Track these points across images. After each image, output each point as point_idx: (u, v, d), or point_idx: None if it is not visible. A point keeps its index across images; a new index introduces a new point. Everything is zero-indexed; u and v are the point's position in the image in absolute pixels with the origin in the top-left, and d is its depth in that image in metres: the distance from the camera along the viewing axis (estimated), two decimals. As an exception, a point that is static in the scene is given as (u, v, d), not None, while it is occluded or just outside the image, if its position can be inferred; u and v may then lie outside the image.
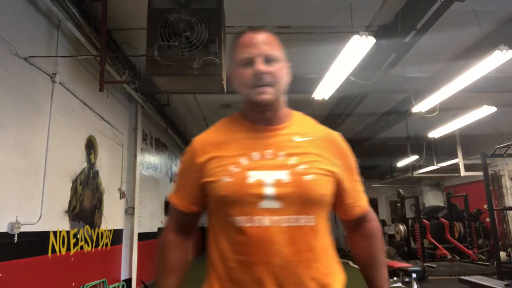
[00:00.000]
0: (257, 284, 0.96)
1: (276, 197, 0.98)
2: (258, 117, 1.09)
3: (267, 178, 0.99)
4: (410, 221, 10.04)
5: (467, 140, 8.77)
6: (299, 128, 1.10)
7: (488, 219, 7.53)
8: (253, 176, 1.00)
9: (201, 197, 1.08)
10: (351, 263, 10.27)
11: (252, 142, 1.05)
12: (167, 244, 1.13)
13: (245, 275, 0.97)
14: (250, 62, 1.04)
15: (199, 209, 1.12)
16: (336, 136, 1.14)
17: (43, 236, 3.36)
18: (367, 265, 1.16)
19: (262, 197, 0.98)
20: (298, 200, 0.99)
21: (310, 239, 0.99)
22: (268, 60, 1.04)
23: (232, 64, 1.10)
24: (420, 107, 5.71)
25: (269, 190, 0.98)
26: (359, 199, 1.15)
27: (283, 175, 1.00)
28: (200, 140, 1.12)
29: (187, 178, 1.10)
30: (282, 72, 1.07)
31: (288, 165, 1.01)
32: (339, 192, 1.09)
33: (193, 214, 1.13)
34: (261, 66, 1.03)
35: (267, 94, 1.03)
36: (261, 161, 1.02)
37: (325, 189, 1.03)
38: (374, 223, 1.18)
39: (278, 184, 0.99)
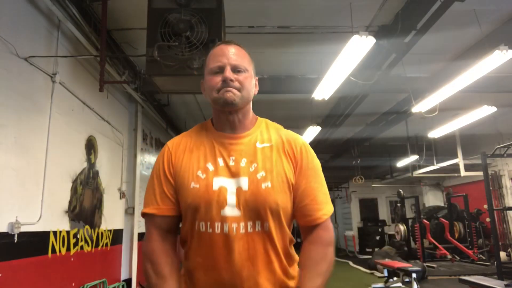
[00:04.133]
0: (216, 286, 1.05)
1: (237, 205, 1.06)
2: (225, 122, 1.16)
3: (230, 186, 1.08)
4: (410, 221, 10.05)
5: (467, 140, 8.77)
6: (261, 135, 1.17)
7: (488, 219, 7.53)
8: (217, 183, 1.08)
9: (177, 199, 1.14)
10: (351, 263, 10.28)
11: (218, 148, 1.13)
12: (154, 253, 1.12)
13: (205, 276, 1.06)
14: (219, 70, 1.12)
15: (178, 212, 1.15)
16: (297, 140, 1.18)
17: (43, 236, 3.35)
18: (302, 266, 1.12)
19: (224, 204, 1.06)
20: (254, 207, 1.06)
21: (265, 244, 1.06)
22: (236, 69, 1.12)
23: (204, 73, 1.18)
24: (420, 107, 5.70)
25: (231, 198, 1.06)
26: (315, 207, 1.13)
27: (243, 183, 1.08)
28: (171, 145, 1.19)
29: (161, 184, 1.14)
30: (248, 81, 1.14)
31: (248, 172, 1.09)
32: (295, 196, 1.13)
33: (175, 217, 1.15)
34: (229, 73, 1.11)
35: (232, 93, 1.10)
36: (224, 168, 1.10)
37: (280, 197, 1.09)
38: (326, 233, 1.15)
39: (238, 192, 1.07)
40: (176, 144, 1.19)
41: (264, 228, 1.07)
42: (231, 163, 1.11)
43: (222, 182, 1.08)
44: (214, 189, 1.07)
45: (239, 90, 1.12)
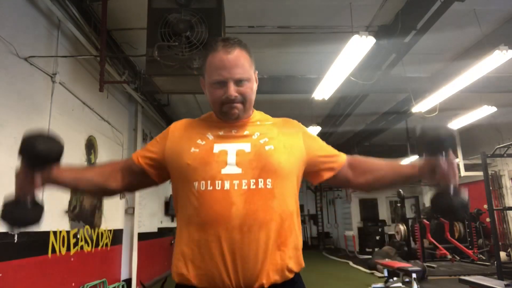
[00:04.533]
0: (217, 243, 1.02)
1: (237, 163, 1.07)
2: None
3: (231, 149, 1.10)
4: (410, 221, 10.04)
5: (467, 140, 8.77)
6: (259, 117, 1.23)
7: (488, 219, 7.53)
8: (218, 147, 1.10)
9: (157, 165, 1.19)
10: (351, 263, 10.28)
11: (220, 126, 1.17)
12: (106, 165, 1.25)
13: (205, 234, 1.04)
14: (221, 84, 1.13)
15: (148, 170, 1.20)
16: (292, 121, 1.26)
17: (43, 236, 3.36)
18: (387, 170, 1.22)
19: (225, 163, 1.07)
20: (257, 166, 1.07)
21: (267, 201, 1.06)
22: (239, 81, 1.13)
23: (204, 75, 1.19)
24: (420, 107, 5.71)
25: (231, 158, 1.08)
26: (333, 152, 1.24)
27: (246, 146, 1.11)
28: (175, 123, 1.25)
29: (154, 145, 1.21)
30: (250, 88, 1.17)
31: (251, 138, 1.13)
32: (311, 157, 1.19)
33: (139, 170, 1.21)
34: (232, 90, 1.12)
35: (236, 109, 1.14)
36: (226, 135, 1.15)
37: (284, 158, 1.11)
38: (360, 157, 1.26)
39: (240, 153, 1.09)
40: (180, 122, 1.25)
41: (267, 185, 1.06)
42: (233, 132, 1.15)
43: (222, 147, 1.11)
44: (215, 152, 1.10)
45: (242, 102, 1.14)
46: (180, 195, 1.12)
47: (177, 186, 1.15)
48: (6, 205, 1.07)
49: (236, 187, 1.04)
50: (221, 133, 1.15)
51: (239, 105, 1.14)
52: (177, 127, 1.22)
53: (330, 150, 1.25)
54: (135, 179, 1.23)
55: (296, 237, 1.11)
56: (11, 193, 1.07)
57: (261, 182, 1.06)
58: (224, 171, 1.06)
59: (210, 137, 1.14)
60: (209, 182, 1.05)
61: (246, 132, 1.16)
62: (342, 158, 1.24)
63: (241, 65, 1.13)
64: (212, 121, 1.21)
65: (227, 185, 1.04)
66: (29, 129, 1.09)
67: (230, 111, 1.14)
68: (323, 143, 1.26)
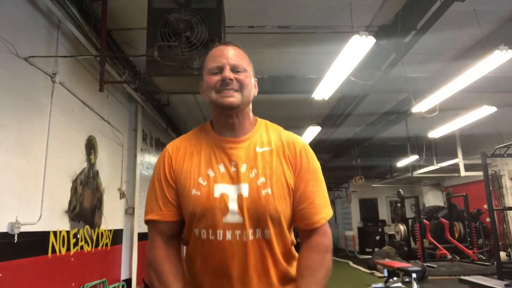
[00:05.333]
0: None
1: (238, 212, 1.06)
2: (225, 125, 1.15)
3: (231, 193, 1.08)
4: (410, 221, 10.04)
5: (467, 140, 8.77)
6: (261, 138, 1.16)
7: (488, 219, 7.52)
8: (218, 190, 1.08)
9: (179, 203, 1.13)
10: (351, 263, 10.28)
11: (219, 153, 1.13)
12: (158, 260, 1.11)
13: (208, 281, 1.08)
14: (218, 70, 1.11)
15: (181, 216, 1.14)
16: (297, 142, 1.17)
17: (43, 236, 3.35)
18: (299, 274, 1.11)
19: (226, 212, 1.06)
20: (254, 214, 1.06)
21: (267, 250, 1.07)
22: (236, 69, 1.11)
23: (202, 74, 1.17)
24: (420, 107, 5.70)
25: (232, 205, 1.07)
26: (313, 211, 1.12)
27: (244, 190, 1.07)
28: (171, 149, 1.18)
29: (163, 189, 1.13)
30: (248, 80, 1.13)
31: (248, 178, 1.09)
32: (293, 198, 1.13)
33: (178, 222, 1.15)
34: (228, 73, 1.10)
35: (233, 97, 1.10)
36: (225, 174, 1.10)
37: (281, 203, 1.09)
38: (324, 238, 1.13)
39: (239, 199, 1.07)
40: (176, 148, 1.17)
41: (265, 235, 1.07)
42: (232, 169, 1.10)
43: (223, 189, 1.08)
44: (216, 196, 1.07)
45: (239, 90, 1.11)
46: (186, 235, 1.15)
47: (184, 218, 1.15)
48: None
49: (237, 238, 1.05)
50: (221, 166, 1.11)
51: (235, 93, 1.10)
52: (174, 155, 1.16)
53: (314, 199, 1.13)
54: (180, 233, 1.17)
55: (294, 264, 1.16)
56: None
57: (258, 232, 1.07)
58: (225, 220, 1.06)
59: (211, 174, 1.10)
60: (210, 231, 1.07)
61: (243, 166, 1.10)
62: (317, 221, 1.12)
63: (239, 56, 1.14)
64: (209, 136, 1.16)
65: (228, 236, 1.05)
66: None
67: (225, 98, 1.09)
68: (317, 188, 1.15)
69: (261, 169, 1.10)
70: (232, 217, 1.06)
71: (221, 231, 1.05)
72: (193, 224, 1.09)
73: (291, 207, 1.12)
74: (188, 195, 1.09)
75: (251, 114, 1.20)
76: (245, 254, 1.05)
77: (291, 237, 1.15)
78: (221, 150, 1.13)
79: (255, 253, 1.06)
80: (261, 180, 1.08)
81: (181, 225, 1.16)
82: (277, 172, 1.10)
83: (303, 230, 1.15)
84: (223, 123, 1.15)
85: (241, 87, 1.11)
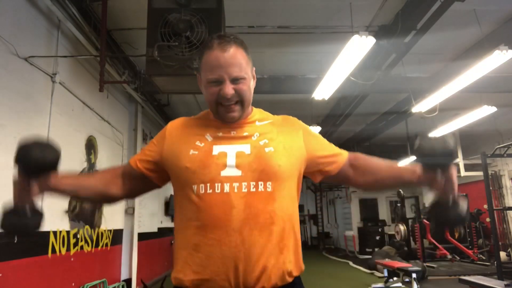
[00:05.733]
0: (217, 247, 1.00)
1: (237, 166, 1.05)
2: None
3: (230, 150, 1.08)
4: (410, 221, 10.04)
5: (467, 140, 8.77)
6: (260, 115, 1.21)
7: (488, 219, 7.53)
8: (217, 149, 1.08)
9: (156, 168, 1.17)
10: (351, 263, 10.28)
11: (219, 126, 1.15)
12: (102, 171, 1.24)
13: (205, 238, 1.02)
14: (217, 82, 1.10)
15: (147, 174, 1.18)
16: (291, 119, 1.24)
17: (43, 236, 3.35)
18: (376, 170, 1.21)
19: (224, 165, 1.05)
20: (257, 168, 1.05)
21: (267, 204, 1.04)
22: (235, 79, 1.10)
23: (200, 72, 1.16)
24: (420, 107, 5.71)
25: (231, 160, 1.06)
26: (334, 151, 1.22)
27: (245, 148, 1.08)
28: (172, 123, 1.23)
29: (152, 147, 1.20)
30: (247, 86, 1.13)
31: (251, 139, 1.11)
32: (311, 157, 1.17)
33: (139, 175, 1.19)
34: (227, 89, 1.08)
35: (234, 112, 1.11)
36: (224, 137, 1.12)
37: (284, 160, 1.09)
38: (362, 156, 1.24)
39: (239, 155, 1.07)
40: (177, 122, 1.23)
41: (267, 188, 1.04)
42: (232, 133, 1.13)
43: (222, 148, 1.08)
44: (214, 154, 1.07)
45: (239, 102, 1.11)
46: (179, 198, 1.10)
47: (176, 188, 1.13)
48: (5, 214, 1.06)
49: (236, 190, 1.02)
50: (220, 134, 1.13)
51: (236, 107, 1.10)
52: (174, 127, 1.20)
53: (331, 148, 1.22)
54: (136, 184, 1.21)
55: (296, 241, 1.10)
56: (9, 201, 1.06)
57: (261, 185, 1.04)
58: (223, 173, 1.04)
59: (209, 138, 1.12)
60: (208, 185, 1.03)
61: (245, 133, 1.13)
62: (342, 157, 1.21)
63: (237, 63, 1.10)
64: (210, 120, 1.18)
65: (227, 188, 1.02)
66: (25, 136, 1.09)
67: (227, 115, 1.11)
68: (324, 141, 1.23)
69: (263, 134, 1.12)
70: (231, 171, 1.04)
71: (219, 184, 1.03)
72: (190, 180, 1.06)
73: (297, 167, 1.13)
74: (186, 155, 1.08)
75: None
76: (244, 205, 1.01)
77: (295, 198, 1.14)
78: (221, 123, 1.15)
79: (256, 205, 1.02)
80: (264, 141, 1.10)
81: (138, 180, 1.20)
82: (279, 136, 1.13)
83: (337, 173, 1.20)
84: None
85: (241, 98, 1.11)
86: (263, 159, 1.06)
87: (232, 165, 1.05)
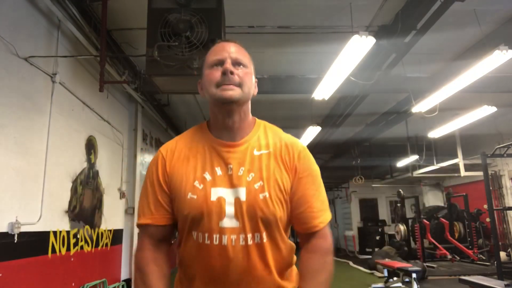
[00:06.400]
0: None
1: (235, 215, 1.04)
2: (222, 125, 1.12)
3: (228, 197, 1.06)
4: (410, 221, 10.04)
5: (467, 140, 8.77)
6: (259, 140, 1.14)
7: (488, 219, 7.53)
8: (215, 194, 1.06)
9: (172, 207, 1.12)
10: (351, 263, 10.28)
11: (216, 156, 1.10)
12: (144, 262, 1.11)
13: (203, 286, 1.05)
14: (219, 63, 1.09)
15: (172, 220, 1.13)
16: (295, 146, 1.15)
17: (43, 236, 3.36)
18: (302, 277, 1.10)
19: (223, 215, 1.04)
20: (252, 218, 1.04)
21: (264, 255, 1.05)
22: (237, 63, 1.09)
23: (202, 71, 1.15)
24: (420, 107, 5.70)
25: (229, 209, 1.04)
26: (312, 215, 1.12)
27: (241, 193, 1.05)
28: (165, 151, 1.15)
29: (155, 192, 1.12)
30: (249, 77, 1.12)
31: (246, 181, 1.07)
32: (291, 202, 1.11)
33: (169, 226, 1.13)
34: (229, 65, 1.08)
35: (233, 90, 1.07)
36: (222, 177, 1.07)
37: (278, 208, 1.07)
38: (324, 241, 1.13)
39: (236, 202, 1.05)
40: (171, 150, 1.14)
41: (262, 239, 1.06)
42: (229, 172, 1.08)
43: (220, 193, 1.06)
44: (212, 200, 1.05)
45: (239, 85, 1.08)
46: (181, 240, 1.11)
47: (179, 229, 1.13)
48: None
49: (233, 243, 1.03)
50: (218, 172, 1.08)
51: (235, 87, 1.07)
52: (167, 157, 1.13)
53: (313, 203, 1.13)
54: (169, 237, 1.16)
55: (292, 269, 1.14)
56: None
57: (257, 236, 1.05)
58: (222, 224, 1.04)
59: (207, 177, 1.08)
60: (206, 235, 1.04)
61: (241, 170, 1.08)
62: (314, 225, 1.12)
63: (240, 52, 1.12)
64: (206, 139, 1.14)
65: (224, 240, 1.03)
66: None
67: (226, 94, 1.06)
68: (317, 191, 1.14)
69: (258, 172, 1.08)
70: (229, 222, 1.04)
71: (217, 235, 1.03)
72: (189, 227, 1.07)
73: (288, 211, 1.11)
74: (184, 199, 1.06)
75: (249, 115, 1.17)
76: (241, 259, 1.03)
77: (289, 242, 1.14)
78: (218, 153, 1.10)
79: (252, 258, 1.04)
80: (259, 183, 1.06)
81: (171, 229, 1.15)
82: (274, 175, 1.09)
83: (302, 234, 1.14)
84: (221, 122, 1.12)
85: (241, 83, 1.08)
86: (258, 209, 1.05)
87: (231, 215, 1.04)
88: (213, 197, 1.05)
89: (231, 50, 1.10)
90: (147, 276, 1.09)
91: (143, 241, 1.13)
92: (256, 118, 1.20)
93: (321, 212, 1.13)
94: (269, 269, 1.06)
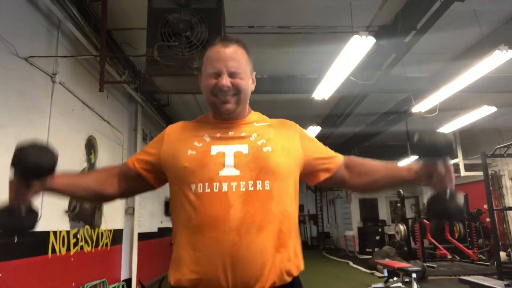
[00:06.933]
0: (214, 246, 1.00)
1: (235, 165, 1.06)
2: (222, 118, 1.19)
3: (228, 150, 1.09)
4: (410, 221, 10.04)
5: (467, 140, 8.77)
6: (258, 119, 1.22)
7: (488, 219, 7.53)
8: (215, 149, 1.09)
9: (153, 168, 1.18)
10: (351, 263, 10.28)
11: (217, 127, 1.17)
12: (99, 171, 1.27)
13: (203, 237, 1.02)
14: (215, 76, 1.13)
15: (144, 175, 1.19)
16: (289, 122, 1.25)
17: (43, 236, 3.36)
18: (374, 171, 1.21)
19: (222, 165, 1.06)
20: (255, 167, 1.06)
21: (265, 203, 1.04)
22: (233, 75, 1.12)
23: (202, 69, 1.20)
24: (420, 107, 5.71)
25: (229, 160, 1.07)
26: (330, 153, 1.23)
27: (243, 148, 1.09)
28: (171, 126, 1.24)
29: (150, 149, 1.21)
30: (245, 82, 1.15)
31: (248, 140, 1.12)
32: (307, 159, 1.18)
33: (136, 175, 1.20)
34: (224, 80, 1.11)
35: (229, 103, 1.13)
36: (223, 138, 1.13)
37: (281, 160, 1.10)
38: (357, 158, 1.25)
39: (237, 154, 1.08)
40: (176, 125, 1.24)
41: (265, 187, 1.05)
42: (230, 133, 1.14)
43: (220, 148, 1.09)
44: (212, 154, 1.08)
45: (235, 94, 1.13)
46: (177, 198, 1.10)
47: (174, 188, 1.12)
48: (0, 213, 1.06)
49: (234, 189, 1.02)
50: (218, 134, 1.14)
51: (232, 99, 1.13)
52: (173, 130, 1.21)
53: (326, 151, 1.24)
54: (132, 184, 1.22)
55: (295, 240, 1.10)
56: (4, 200, 1.06)
57: (259, 184, 1.04)
58: (221, 173, 1.04)
59: (207, 139, 1.13)
60: (206, 184, 1.04)
61: (243, 134, 1.14)
62: (338, 159, 1.23)
63: (237, 59, 1.14)
64: (209, 122, 1.20)
65: (225, 187, 1.03)
66: (22, 140, 1.10)
67: (222, 106, 1.13)
68: (320, 144, 1.25)
69: (260, 134, 1.14)
70: (229, 170, 1.05)
71: (218, 184, 1.03)
72: (188, 179, 1.06)
73: (295, 167, 1.14)
74: (184, 155, 1.09)
75: (247, 107, 1.23)
76: (242, 204, 1.01)
77: (293, 198, 1.13)
78: (220, 128, 1.16)
79: (254, 204, 1.02)
80: (262, 141, 1.11)
81: (135, 180, 1.21)
82: (276, 137, 1.14)
83: (333, 175, 1.21)
84: (221, 118, 1.20)
85: (237, 91, 1.13)
86: (261, 158, 1.07)
87: (230, 165, 1.05)
88: (213, 152, 1.09)
89: (227, 61, 1.12)
90: (84, 177, 1.29)
91: (114, 167, 1.25)
92: (251, 109, 1.26)
93: (335, 153, 1.25)
94: (270, 217, 1.04)
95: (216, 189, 1.03)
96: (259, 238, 1.01)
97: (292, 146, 1.16)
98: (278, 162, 1.08)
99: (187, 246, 1.03)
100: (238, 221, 1.00)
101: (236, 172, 1.05)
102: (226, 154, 1.07)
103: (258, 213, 1.02)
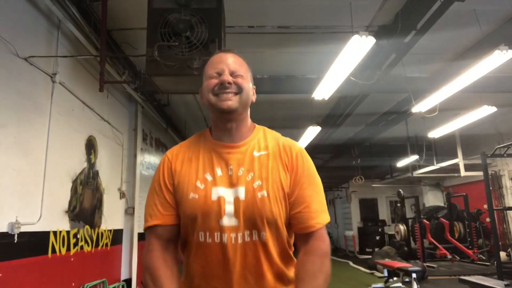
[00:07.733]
0: None
1: (235, 213, 1.08)
2: (223, 130, 1.17)
3: (227, 196, 1.10)
4: (410, 221, 10.05)
5: (467, 140, 8.77)
6: (259, 143, 1.18)
7: (488, 219, 7.53)
8: (216, 193, 1.10)
9: (177, 208, 1.16)
10: (351, 263, 10.28)
11: (217, 157, 1.15)
12: (154, 265, 1.12)
13: (204, 284, 1.10)
14: (217, 75, 1.14)
15: (179, 220, 1.16)
16: (293, 147, 1.19)
17: (43, 236, 3.35)
18: (299, 279, 1.10)
19: (222, 214, 1.08)
20: (251, 216, 1.08)
21: (262, 254, 1.08)
22: (234, 74, 1.14)
23: (202, 81, 1.20)
24: (420, 107, 5.71)
25: (228, 208, 1.08)
26: (309, 215, 1.12)
27: (240, 193, 1.09)
28: (170, 155, 1.20)
29: (163, 193, 1.16)
30: (246, 84, 1.16)
31: (245, 181, 1.11)
32: (289, 203, 1.14)
33: (175, 226, 1.16)
34: (226, 77, 1.13)
35: (231, 100, 1.12)
36: (223, 177, 1.12)
37: (276, 206, 1.10)
38: (321, 243, 1.13)
39: (236, 201, 1.09)
40: (175, 154, 1.20)
41: (261, 237, 1.08)
42: (229, 173, 1.12)
43: (220, 192, 1.10)
44: (213, 199, 1.09)
45: (237, 93, 1.13)
46: (184, 237, 1.15)
47: (181, 226, 1.16)
48: None
49: (233, 241, 1.07)
50: (219, 173, 1.13)
51: (234, 97, 1.13)
52: (172, 160, 1.19)
53: (310, 204, 1.13)
54: (177, 236, 1.18)
55: (289, 273, 1.15)
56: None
57: (255, 234, 1.08)
58: (221, 222, 1.08)
59: (208, 178, 1.12)
60: (207, 234, 1.08)
61: (240, 171, 1.12)
62: (311, 225, 1.12)
63: (238, 62, 1.17)
64: (207, 142, 1.19)
65: (224, 239, 1.07)
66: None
67: (224, 104, 1.12)
68: (314, 193, 1.15)
69: (257, 172, 1.12)
70: (228, 220, 1.08)
71: (218, 234, 1.07)
72: (191, 226, 1.11)
73: (287, 210, 1.13)
74: (186, 199, 1.11)
75: (249, 120, 1.22)
76: (241, 256, 1.07)
77: (289, 240, 1.16)
78: (219, 155, 1.15)
79: (252, 256, 1.08)
80: (257, 182, 1.10)
81: (178, 230, 1.17)
82: (273, 175, 1.12)
83: (300, 235, 1.15)
84: (221, 127, 1.17)
85: (239, 90, 1.14)
86: (256, 208, 1.08)
87: (230, 214, 1.08)
88: (214, 197, 1.09)
89: (228, 61, 1.15)
90: (158, 278, 1.10)
91: (151, 242, 1.15)
92: (256, 124, 1.25)
93: (318, 213, 1.13)
94: (269, 267, 1.09)
95: (217, 239, 1.07)
96: (259, 286, 1.08)
97: (286, 184, 1.13)
98: (272, 210, 1.09)
99: (194, 284, 1.13)
100: (237, 273, 1.07)
101: (235, 222, 1.08)
102: (226, 200, 1.09)
103: (257, 264, 1.08)
